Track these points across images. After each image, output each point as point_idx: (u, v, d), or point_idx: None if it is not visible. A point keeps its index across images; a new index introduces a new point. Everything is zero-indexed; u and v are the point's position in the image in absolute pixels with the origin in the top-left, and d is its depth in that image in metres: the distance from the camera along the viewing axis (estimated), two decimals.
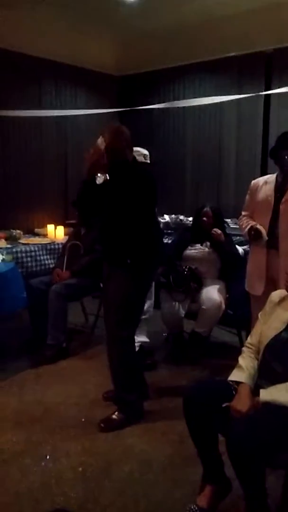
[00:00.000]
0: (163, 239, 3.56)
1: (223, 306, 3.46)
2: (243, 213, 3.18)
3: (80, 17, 4.80)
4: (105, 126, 2.68)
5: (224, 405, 1.83)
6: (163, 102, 5.06)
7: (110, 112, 4.81)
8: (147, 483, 2.19)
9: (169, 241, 4.19)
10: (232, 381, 1.94)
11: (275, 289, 2.17)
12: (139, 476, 2.24)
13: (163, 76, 5.40)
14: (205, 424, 1.87)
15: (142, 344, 3.35)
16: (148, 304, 3.34)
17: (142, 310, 2.85)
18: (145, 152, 3.53)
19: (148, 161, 3.51)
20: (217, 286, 3.53)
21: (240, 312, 3.52)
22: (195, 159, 5.29)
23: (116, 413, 2.65)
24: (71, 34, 5.05)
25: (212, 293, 3.46)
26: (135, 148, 3.49)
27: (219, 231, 3.53)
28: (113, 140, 2.52)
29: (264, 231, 2.90)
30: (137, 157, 3.43)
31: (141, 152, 3.50)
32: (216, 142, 5.10)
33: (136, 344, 3.15)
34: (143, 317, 3.21)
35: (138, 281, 2.60)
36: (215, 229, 3.53)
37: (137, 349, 3.18)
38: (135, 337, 3.16)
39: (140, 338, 3.34)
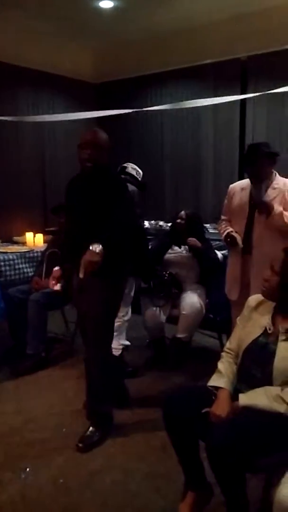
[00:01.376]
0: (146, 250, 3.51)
1: (204, 311, 3.48)
2: (222, 217, 3.22)
3: (57, 24, 4.80)
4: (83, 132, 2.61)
5: (203, 411, 1.83)
6: (140, 108, 5.07)
7: (88, 118, 4.80)
8: (130, 493, 2.17)
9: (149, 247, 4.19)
10: (212, 386, 1.95)
11: (249, 295, 2.19)
12: (122, 486, 2.21)
13: (140, 83, 5.42)
14: (185, 430, 1.86)
15: (123, 350, 3.34)
16: (126, 308, 3.34)
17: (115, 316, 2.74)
18: (139, 169, 3.53)
19: (138, 178, 3.52)
20: (197, 291, 3.54)
21: (221, 316, 3.54)
22: (173, 164, 5.32)
23: (91, 429, 2.55)
24: (48, 41, 5.05)
25: (192, 298, 3.47)
26: (128, 163, 3.56)
27: (192, 239, 3.55)
28: (96, 144, 2.47)
29: (239, 238, 2.95)
30: (130, 170, 3.49)
31: (135, 168, 3.53)
32: (194, 148, 5.14)
33: (118, 347, 3.26)
34: (122, 320, 3.25)
35: (114, 289, 2.55)
36: (189, 239, 3.55)
37: (119, 352, 3.25)
38: (117, 341, 3.26)
39: (122, 341, 3.34)
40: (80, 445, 2.48)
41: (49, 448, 2.51)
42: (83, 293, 2.53)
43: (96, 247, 2.31)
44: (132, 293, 3.42)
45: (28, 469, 2.33)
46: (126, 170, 3.53)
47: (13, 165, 5.03)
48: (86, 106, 5.57)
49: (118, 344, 3.22)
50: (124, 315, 3.20)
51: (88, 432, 2.54)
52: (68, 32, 5.00)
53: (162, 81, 5.28)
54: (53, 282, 3.55)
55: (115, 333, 3.36)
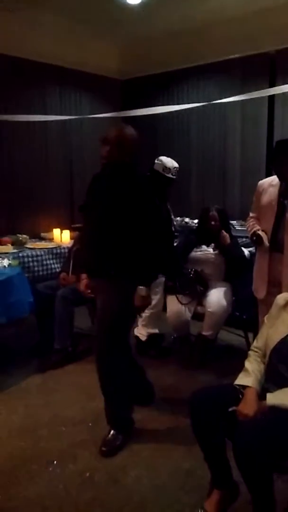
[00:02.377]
0: (170, 254, 3.52)
1: (230, 308, 3.45)
2: (250, 214, 3.18)
3: (83, 21, 4.83)
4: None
5: (230, 409, 1.82)
6: (167, 105, 5.06)
7: (114, 116, 4.82)
8: (154, 488, 2.19)
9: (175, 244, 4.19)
10: (239, 385, 1.94)
11: (279, 293, 2.16)
12: (147, 481, 2.23)
13: (167, 79, 5.40)
14: (211, 429, 1.86)
15: (155, 337, 3.60)
16: (156, 300, 3.56)
17: (133, 321, 2.74)
18: (169, 164, 3.57)
19: (168, 175, 3.55)
20: (223, 289, 3.52)
21: (247, 314, 3.51)
22: (200, 161, 5.29)
23: (112, 432, 2.51)
24: (74, 38, 5.08)
25: (218, 296, 3.45)
26: (160, 158, 3.59)
27: (224, 233, 3.52)
28: (117, 143, 2.43)
29: (265, 238, 2.90)
30: (156, 167, 3.54)
31: (162, 164, 3.56)
32: (221, 144, 5.09)
33: (143, 334, 3.65)
34: (151, 311, 3.54)
35: (124, 296, 2.43)
36: (222, 231, 3.53)
37: (145, 338, 3.64)
38: (145, 329, 3.65)
39: (149, 330, 3.61)
40: (104, 449, 2.45)
41: (75, 442, 2.55)
42: (96, 296, 2.52)
43: (142, 290, 2.39)
44: (161, 287, 3.57)
45: (55, 462, 2.37)
46: (154, 167, 3.56)
47: (41, 163, 5.09)
48: (112, 102, 5.60)
49: (145, 332, 3.66)
50: (152, 307, 3.40)
51: (110, 436, 2.49)
52: (95, 29, 5.02)
53: (189, 77, 5.25)
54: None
55: (142, 323, 3.64)
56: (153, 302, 3.48)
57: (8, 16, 4.45)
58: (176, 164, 3.60)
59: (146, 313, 3.54)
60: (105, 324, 2.44)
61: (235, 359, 2.34)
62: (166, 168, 3.55)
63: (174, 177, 3.59)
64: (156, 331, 3.65)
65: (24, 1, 4.32)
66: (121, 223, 2.38)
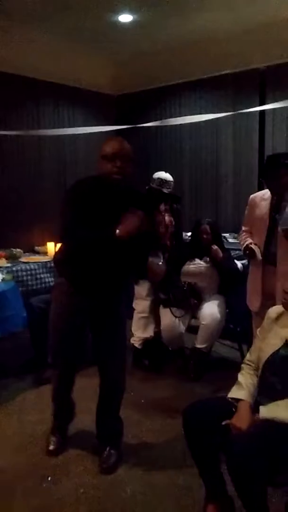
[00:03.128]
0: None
1: (223, 321, 3.47)
2: (243, 227, 3.22)
3: (77, 39, 4.90)
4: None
5: (224, 423, 1.83)
6: (160, 119, 5.12)
7: (108, 130, 4.87)
8: (150, 504, 2.17)
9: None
10: (232, 398, 1.94)
11: (273, 305, 2.18)
12: (142, 497, 2.22)
13: (159, 94, 5.48)
14: (205, 442, 1.86)
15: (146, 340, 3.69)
16: (142, 306, 3.71)
17: None
18: (162, 176, 3.67)
19: (163, 189, 3.64)
20: (216, 301, 3.55)
21: (241, 326, 3.52)
22: (192, 175, 5.34)
23: (108, 449, 2.47)
24: (68, 54, 5.15)
25: (212, 309, 3.47)
26: (157, 174, 3.70)
27: (215, 247, 3.55)
28: (131, 158, 2.33)
29: (258, 251, 2.94)
30: (155, 184, 3.68)
31: (158, 176, 3.68)
32: (213, 158, 5.15)
33: (138, 341, 3.72)
34: (141, 315, 3.70)
35: (123, 307, 2.52)
36: (213, 246, 3.56)
37: (139, 343, 3.72)
38: (137, 334, 3.73)
39: (142, 335, 3.70)
40: (104, 466, 2.42)
41: (69, 458, 2.53)
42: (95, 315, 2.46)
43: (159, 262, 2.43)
44: (150, 293, 3.68)
45: (49, 478, 2.35)
46: (151, 183, 3.64)
47: (35, 177, 5.12)
48: (106, 117, 5.66)
49: (138, 338, 3.72)
50: (140, 312, 3.67)
51: (106, 453, 2.46)
52: (89, 45, 5.10)
53: (181, 92, 5.32)
54: None
55: (134, 328, 3.73)
56: (140, 308, 3.72)
57: (4, 34, 4.51)
58: (163, 177, 3.70)
59: (137, 317, 3.73)
60: (119, 341, 2.48)
61: (230, 371, 2.34)
62: (161, 181, 3.67)
63: (158, 188, 3.69)
64: (147, 335, 3.69)
65: (19, 20, 4.39)
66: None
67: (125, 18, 4.50)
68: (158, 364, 3.72)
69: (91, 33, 4.78)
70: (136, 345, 3.73)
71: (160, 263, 2.47)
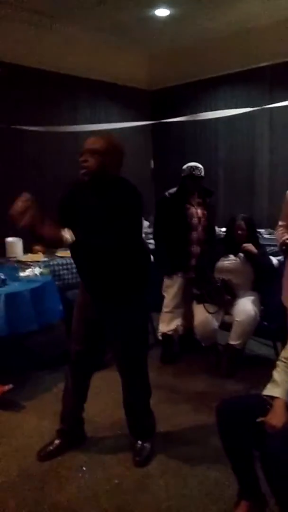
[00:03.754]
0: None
1: (258, 318, 3.44)
2: (280, 223, 3.17)
3: (113, 34, 4.93)
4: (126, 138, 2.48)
5: (258, 420, 1.82)
6: (195, 114, 5.10)
7: (142, 125, 4.89)
8: (182, 497, 2.19)
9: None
10: (267, 395, 1.93)
11: None
12: (175, 490, 2.24)
13: (195, 89, 5.45)
14: (239, 439, 1.86)
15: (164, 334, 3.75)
16: (168, 300, 3.74)
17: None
18: (191, 164, 3.71)
19: (193, 173, 3.68)
20: (251, 298, 3.51)
21: (276, 324, 3.47)
22: (227, 169, 5.30)
23: (139, 442, 2.50)
24: (104, 51, 5.19)
25: (246, 305, 3.45)
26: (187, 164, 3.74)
27: (248, 245, 3.52)
28: (111, 145, 2.24)
29: None
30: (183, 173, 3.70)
31: (187, 165, 3.73)
32: (248, 152, 5.09)
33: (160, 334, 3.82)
34: (165, 310, 3.75)
35: (141, 307, 2.43)
36: (244, 244, 3.52)
37: (159, 337, 3.81)
38: (160, 328, 3.81)
39: (163, 328, 3.77)
40: (138, 459, 2.45)
41: (104, 449, 2.58)
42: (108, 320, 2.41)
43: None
44: (176, 288, 3.68)
45: (84, 468, 2.41)
46: (182, 174, 3.67)
47: (72, 172, 5.19)
48: (142, 112, 5.68)
49: (160, 332, 3.82)
50: (165, 306, 3.73)
51: (138, 446, 2.49)
52: (124, 41, 5.13)
53: (217, 86, 5.28)
54: None
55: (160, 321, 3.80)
56: (165, 302, 3.77)
57: (44, 33, 4.60)
58: (193, 164, 3.71)
59: (162, 311, 3.79)
60: (136, 339, 2.42)
61: (264, 369, 2.32)
62: (188, 168, 3.69)
63: (190, 173, 3.68)
64: (166, 330, 3.75)
65: (57, 18, 4.46)
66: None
67: (162, 12, 4.50)
68: (170, 357, 3.78)
69: (127, 29, 4.81)
70: (159, 337, 3.83)
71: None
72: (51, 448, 2.53)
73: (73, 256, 2.43)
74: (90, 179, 2.24)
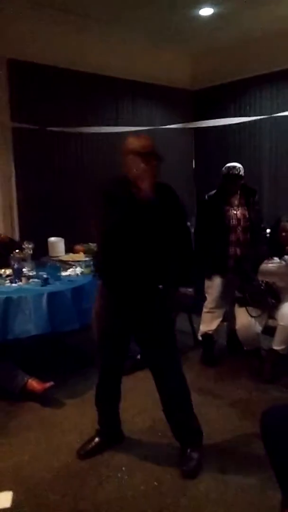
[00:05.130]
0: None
1: None
2: None
3: (153, 34, 4.92)
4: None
5: None
6: (239, 114, 5.02)
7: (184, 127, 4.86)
8: (223, 503, 2.15)
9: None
10: None
11: None
12: (216, 495, 2.20)
13: (239, 88, 5.36)
14: (283, 447, 1.80)
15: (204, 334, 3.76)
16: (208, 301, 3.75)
17: None
18: (229, 164, 3.70)
19: (230, 172, 3.65)
20: None
21: None
22: (271, 170, 5.17)
23: (189, 451, 2.41)
24: (144, 51, 5.19)
25: None
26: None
27: None
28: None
29: None
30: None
31: (226, 165, 3.72)
32: None
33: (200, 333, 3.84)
34: (205, 310, 3.78)
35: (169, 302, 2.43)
36: None
37: (200, 338, 3.85)
38: (201, 328, 3.84)
39: (204, 328, 3.78)
40: (185, 468, 2.36)
41: (143, 450, 2.56)
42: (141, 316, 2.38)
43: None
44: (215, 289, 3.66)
45: (123, 469, 2.40)
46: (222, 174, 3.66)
47: (112, 172, 5.22)
48: (184, 113, 5.65)
49: (201, 331, 3.83)
50: (205, 306, 3.75)
51: (186, 454, 2.40)
52: (165, 41, 5.10)
53: (262, 85, 5.16)
54: None
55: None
56: (205, 302, 3.78)
57: (86, 35, 4.65)
58: (231, 164, 3.69)
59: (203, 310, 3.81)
60: (168, 338, 2.39)
61: None
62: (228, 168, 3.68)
63: (229, 173, 3.65)
64: (207, 330, 3.75)
65: (97, 19, 4.50)
66: (169, 240, 2.33)
67: (206, 11, 4.45)
68: (211, 359, 3.78)
69: (169, 29, 4.78)
70: (199, 338, 3.86)
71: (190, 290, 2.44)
72: (91, 446, 2.55)
73: (111, 252, 2.31)
74: (154, 186, 2.22)
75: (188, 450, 2.42)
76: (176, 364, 2.46)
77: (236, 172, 3.63)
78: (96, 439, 2.57)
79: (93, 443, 2.56)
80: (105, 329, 2.42)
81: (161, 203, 2.25)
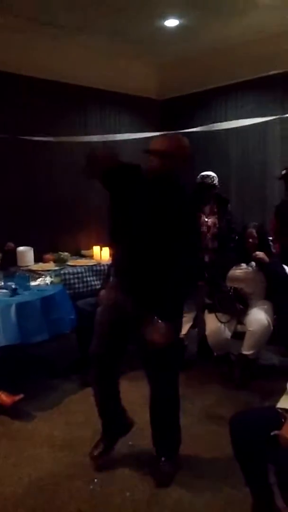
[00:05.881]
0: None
1: (271, 327, 3.40)
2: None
3: (120, 43, 4.96)
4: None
5: (272, 434, 1.79)
6: (206, 124, 5.09)
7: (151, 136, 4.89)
8: (195, 511, 2.16)
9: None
10: (282, 408, 1.90)
11: None
12: (189, 504, 2.21)
13: (205, 98, 5.45)
14: (253, 452, 1.82)
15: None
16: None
17: None
18: (203, 173, 3.81)
19: (204, 181, 3.76)
20: (264, 307, 3.48)
21: None
22: (239, 179, 5.27)
23: (165, 461, 2.40)
24: (111, 60, 5.22)
25: (259, 315, 3.41)
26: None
27: (260, 253, 3.49)
28: (177, 148, 2.25)
29: None
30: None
31: (200, 174, 3.82)
32: (260, 163, 5.07)
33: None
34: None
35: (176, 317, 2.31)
36: (256, 253, 3.50)
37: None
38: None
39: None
40: (159, 477, 2.36)
41: (116, 460, 2.55)
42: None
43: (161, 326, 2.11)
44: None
45: (95, 480, 2.38)
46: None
47: (81, 182, 5.22)
48: (151, 122, 5.70)
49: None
50: None
51: (160, 463, 2.40)
52: (133, 51, 5.15)
53: (227, 95, 5.27)
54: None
55: None
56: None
57: (51, 43, 4.65)
58: (205, 173, 3.79)
59: None
60: (168, 354, 2.28)
61: (278, 379, 2.29)
62: (203, 177, 3.80)
63: (203, 181, 3.77)
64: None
65: (64, 28, 4.51)
66: (169, 240, 2.18)
67: (172, 23, 4.52)
68: (181, 364, 3.71)
69: (136, 39, 4.83)
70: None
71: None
72: (96, 452, 2.50)
73: (118, 249, 2.34)
74: (152, 178, 2.25)
75: (163, 459, 2.42)
76: (171, 375, 2.39)
77: (210, 181, 3.70)
78: (101, 445, 2.52)
79: (100, 448, 2.51)
80: (105, 323, 2.36)
81: (168, 196, 2.22)
